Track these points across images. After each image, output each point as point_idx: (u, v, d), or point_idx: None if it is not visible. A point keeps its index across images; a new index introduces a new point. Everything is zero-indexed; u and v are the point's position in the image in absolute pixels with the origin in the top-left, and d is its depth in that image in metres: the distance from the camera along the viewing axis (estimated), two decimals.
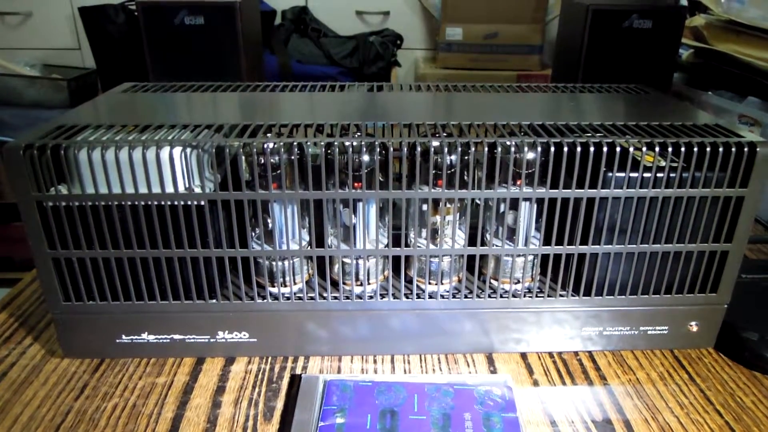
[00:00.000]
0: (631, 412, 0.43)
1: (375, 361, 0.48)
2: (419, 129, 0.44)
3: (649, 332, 0.47)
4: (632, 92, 0.58)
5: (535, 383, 0.46)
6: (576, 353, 0.49)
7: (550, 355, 0.49)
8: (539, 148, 0.41)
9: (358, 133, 0.42)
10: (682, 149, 0.41)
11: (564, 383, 0.46)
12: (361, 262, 0.45)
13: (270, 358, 0.49)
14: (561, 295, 0.45)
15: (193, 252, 0.42)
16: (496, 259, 0.46)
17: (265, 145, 0.40)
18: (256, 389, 0.45)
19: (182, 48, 0.85)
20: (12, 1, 1.97)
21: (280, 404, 0.44)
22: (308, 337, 0.46)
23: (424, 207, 0.44)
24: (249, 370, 0.47)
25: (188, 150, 0.40)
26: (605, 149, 0.40)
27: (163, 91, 0.55)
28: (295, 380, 0.46)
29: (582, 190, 0.41)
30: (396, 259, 0.44)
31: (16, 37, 2.00)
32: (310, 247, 0.43)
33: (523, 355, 0.49)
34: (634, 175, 0.41)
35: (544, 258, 0.45)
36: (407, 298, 0.45)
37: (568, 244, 0.43)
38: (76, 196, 0.40)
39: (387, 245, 0.44)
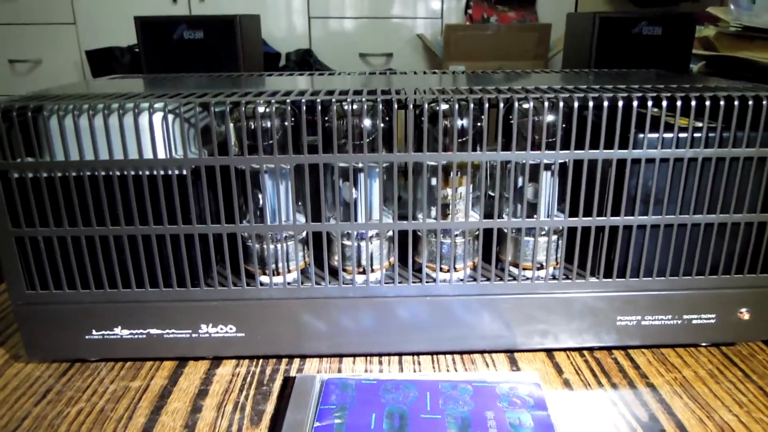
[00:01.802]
0: (682, 412, 0.37)
1: (380, 362, 0.42)
2: (426, 93, 0.40)
3: (693, 321, 0.41)
4: (652, 72, 0.54)
5: (567, 383, 0.40)
6: (610, 351, 0.43)
7: (581, 353, 0.43)
8: (561, 106, 0.37)
9: (360, 97, 0.38)
10: (722, 103, 0.36)
11: (600, 383, 0.40)
12: (363, 244, 0.40)
13: (261, 361, 0.43)
14: (591, 279, 0.40)
15: (173, 229, 0.37)
16: (515, 241, 0.40)
17: (257, 107, 0.36)
18: (244, 392, 0.39)
19: (181, 63, 0.83)
20: (22, 48, 2.01)
21: (270, 407, 0.38)
22: (304, 331, 0.40)
23: (434, 181, 0.39)
24: (237, 374, 0.41)
25: (170, 117, 0.36)
26: (635, 103, 0.36)
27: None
28: (288, 382, 0.40)
29: (611, 151, 0.37)
30: (403, 242, 0.39)
31: (25, 84, 2.03)
32: (306, 224, 0.39)
33: (550, 354, 0.43)
34: (668, 135, 0.37)
35: (570, 240, 0.40)
36: (416, 283, 0.40)
37: (597, 216, 0.38)
38: (45, 164, 0.36)
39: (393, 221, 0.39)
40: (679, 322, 0.41)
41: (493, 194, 0.40)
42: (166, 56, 0.83)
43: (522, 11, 2.03)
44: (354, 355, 0.43)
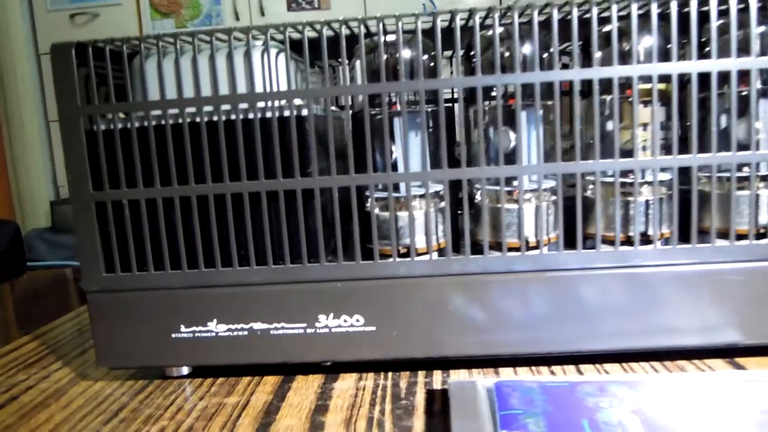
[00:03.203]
0: None
1: (553, 372, 0.31)
2: None
3: None
4: None
5: None
6: None
7: None
8: None
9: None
10: None
11: None
12: (527, 207, 0.30)
13: (392, 374, 0.32)
14: None
15: (289, 183, 0.29)
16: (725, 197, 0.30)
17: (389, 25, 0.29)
18: (377, 407, 0.29)
19: None
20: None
21: (418, 424, 0.27)
22: (453, 322, 0.30)
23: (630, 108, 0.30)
24: (361, 387, 0.31)
25: (289, 50, 0.29)
26: None
27: None
28: (435, 396, 0.30)
29: None
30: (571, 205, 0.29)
31: (84, 36, 1.99)
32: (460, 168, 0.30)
33: None
34: None
35: None
36: (607, 248, 0.29)
37: None
38: (137, 105, 0.29)
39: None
40: None
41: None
42: None
43: None
44: (514, 357, 0.32)
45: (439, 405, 0.29)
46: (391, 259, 0.30)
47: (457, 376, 0.32)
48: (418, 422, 0.27)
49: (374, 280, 0.30)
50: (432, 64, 0.30)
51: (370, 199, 0.29)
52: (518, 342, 0.30)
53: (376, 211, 0.31)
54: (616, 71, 0.28)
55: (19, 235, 1.14)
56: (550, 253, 0.29)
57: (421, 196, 0.31)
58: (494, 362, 0.33)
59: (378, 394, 0.30)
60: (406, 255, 0.30)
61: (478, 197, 0.31)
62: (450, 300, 0.30)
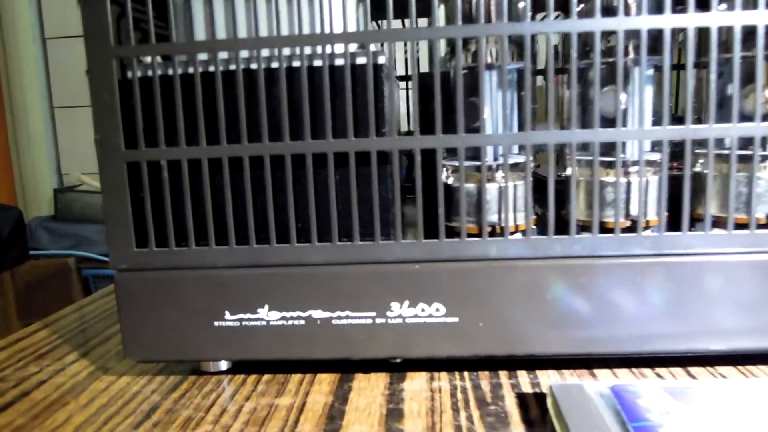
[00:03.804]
0: None
1: (659, 375, 0.27)
2: None
3: None
4: None
5: None
6: None
7: None
8: None
9: None
10: None
11: None
12: (651, 179, 0.25)
13: (468, 374, 0.28)
14: None
15: (361, 143, 0.24)
16: None
17: None
18: (462, 413, 0.24)
19: None
20: None
21: None
22: (550, 314, 0.25)
23: None
24: (436, 389, 0.26)
25: None
26: None
27: None
28: (527, 400, 0.25)
29: None
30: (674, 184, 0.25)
31: None
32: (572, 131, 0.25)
33: None
34: None
35: None
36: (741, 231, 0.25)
37: None
38: (180, 46, 0.25)
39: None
40: None
41: None
42: None
43: None
44: (611, 357, 0.27)
45: (536, 412, 0.24)
46: (480, 238, 0.25)
47: (546, 377, 0.27)
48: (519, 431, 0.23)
49: (459, 262, 0.25)
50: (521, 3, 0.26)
51: (460, 166, 0.24)
52: (628, 339, 0.25)
53: (464, 182, 0.26)
54: (762, 16, 0.23)
55: (22, 221, 1.10)
56: (671, 235, 0.24)
57: (514, 166, 0.26)
58: (584, 362, 0.28)
59: (458, 397, 0.25)
60: (495, 234, 0.26)
61: (569, 171, 0.27)
62: (549, 287, 0.25)
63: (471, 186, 0.26)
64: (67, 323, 0.38)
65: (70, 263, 1.45)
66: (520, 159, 0.26)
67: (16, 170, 1.71)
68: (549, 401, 0.24)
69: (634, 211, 0.26)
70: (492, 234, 0.26)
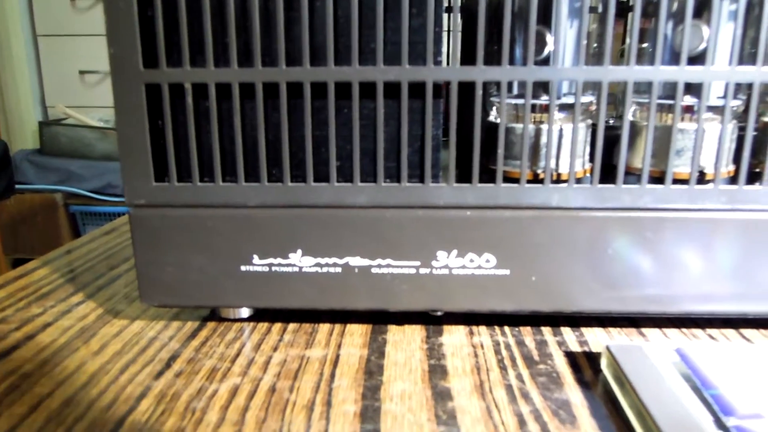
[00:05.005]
0: None
1: (712, 337, 0.25)
2: None
3: None
4: None
5: None
6: None
7: None
8: None
9: None
10: None
11: None
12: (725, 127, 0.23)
13: (509, 329, 0.26)
14: None
15: (415, 72, 0.21)
16: None
17: None
18: (510, 371, 0.22)
19: None
20: (95, 60, 1.95)
21: (575, 398, 0.21)
22: (611, 270, 0.23)
23: None
24: (478, 344, 0.25)
25: None
26: None
27: None
28: (578, 360, 0.23)
29: None
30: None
31: (93, 95, 1.97)
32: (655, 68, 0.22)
33: None
34: None
35: None
36: None
37: None
38: None
39: None
40: None
41: None
42: None
43: None
44: (664, 317, 0.26)
45: (590, 374, 0.22)
46: (541, 185, 0.22)
47: (593, 335, 0.25)
48: (575, 396, 0.21)
49: (517, 209, 0.22)
50: None
51: (526, 102, 0.22)
52: (688, 298, 0.24)
53: (523, 122, 0.23)
54: None
55: (7, 154, 1.05)
56: (751, 188, 0.22)
57: (570, 107, 0.23)
58: (631, 321, 0.27)
59: (504, 354, 0.24)
60: (558, 181, 0.23)
61: (635, 116, 0.24)
62: (612, 241, 0.23)
63: (530, 127, 0.23)
64: (68, 261, 0.36)
65: (57, 199, 1.41)
66: (572, 100, 0.24)
67: None
68: (605, 362, 0.22)
69: (709, 161, 0.23)
70: (557, 181, 0.23)
